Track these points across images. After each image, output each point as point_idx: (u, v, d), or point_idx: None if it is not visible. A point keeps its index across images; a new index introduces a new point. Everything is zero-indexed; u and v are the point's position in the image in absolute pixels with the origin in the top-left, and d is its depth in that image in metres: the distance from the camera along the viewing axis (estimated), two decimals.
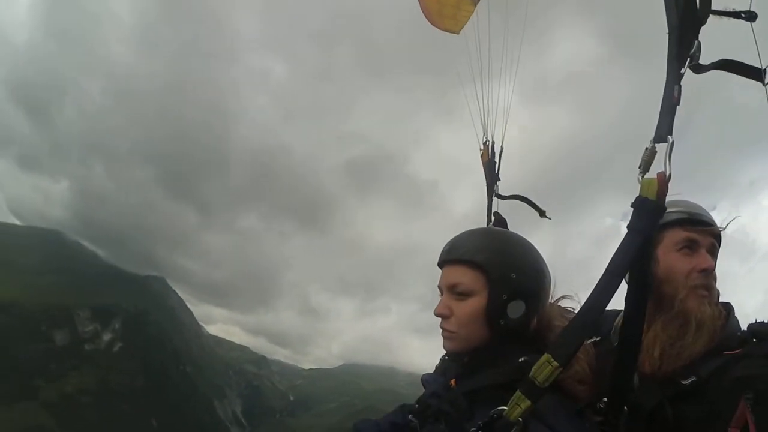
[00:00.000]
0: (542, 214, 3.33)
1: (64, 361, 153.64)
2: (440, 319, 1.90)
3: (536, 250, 1.91)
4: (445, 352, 2.03)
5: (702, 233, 2.02)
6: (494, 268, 1.78)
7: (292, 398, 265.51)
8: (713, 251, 2.03)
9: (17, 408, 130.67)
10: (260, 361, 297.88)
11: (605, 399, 1.73)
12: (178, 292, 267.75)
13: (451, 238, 1.97)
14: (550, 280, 1.89)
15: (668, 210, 1.86)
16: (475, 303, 1.79)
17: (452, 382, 1.91)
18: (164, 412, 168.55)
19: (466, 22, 3.97)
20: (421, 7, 4.27)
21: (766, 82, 1.53)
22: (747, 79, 1.62)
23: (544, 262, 1.90)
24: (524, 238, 1.95)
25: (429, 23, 4.25)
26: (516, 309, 1.77)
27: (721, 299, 2.06)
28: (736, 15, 1.55)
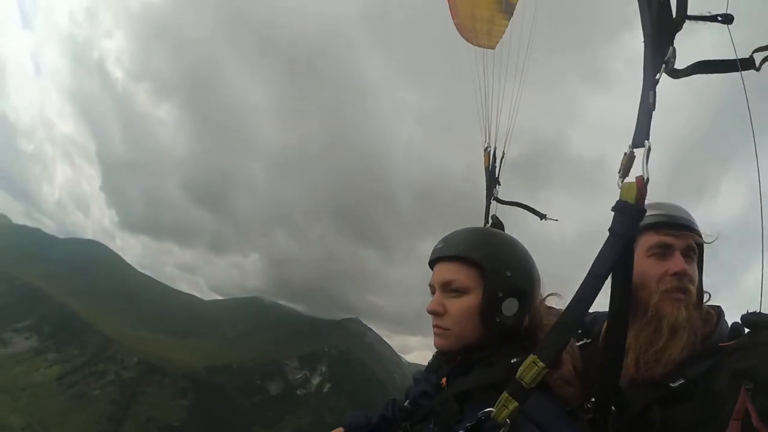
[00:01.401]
0: (542, 217, 3.33)
1: (280, 408, 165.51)
2: (432, 316, 1.89)
3: (526, 250, 1.91)
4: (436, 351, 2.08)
5: (676, 236, 1.98)
6: (490, 265, 1.78)
7: None
8: (689, 253, 1.99)
9: None
10: None
11: (593, 399, 1.73)
12: (373, 328, 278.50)
13: (444, 236, 1.97)
14: (539, 280, 1.89)
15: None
16: (470, 300, 1.78)
17: (443, 381, 1.89)
18: None
19: (501, 37, 4.03)
20: (455, 25, 4.27)
21: (742, 69, 1.51)
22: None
23: (533, 262, 1.89)
24: (515, 238, 1.95)
25: (464, 40, 4.24)
26: (510, 307, 1.77)
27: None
28: (712, 19, 1.52)
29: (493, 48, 4.05)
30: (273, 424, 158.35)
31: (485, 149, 3.80)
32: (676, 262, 1.95)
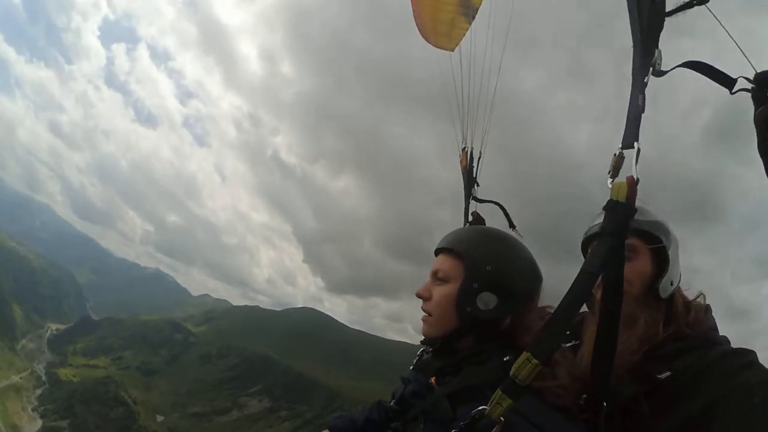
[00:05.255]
0: (513, 226, 3.31)
1: None
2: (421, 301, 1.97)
3: (527, 253, 1.92)
4: (422, 348, 2.16)
5: None
6: (470, 256, 1.84)
7: None
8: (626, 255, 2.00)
9: None
10: None
11: (584, 396, 1.75)
12: None
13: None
14: (536, 285, 1.89)
15: (594, 223, 2.14)
16: (450, 288, 1.85)
17: (432, 380, 1.90)
18: None
19: (460, 40, 4.07)
20: (416, 24, 4.35)
21: (733, 91, 1.50)
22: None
23: (533, 267, 1.90)
24: (517, 240, 1.97)
25: (424, 40, 4.34)
26: (486, 301, 1.79)
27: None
28: (688, 5, 1.54)
29: (452, 50, 4.03)
30: None
31: (462, 149, 3.77)
32: None
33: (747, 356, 1.81)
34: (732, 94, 1.50)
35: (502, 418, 1.43)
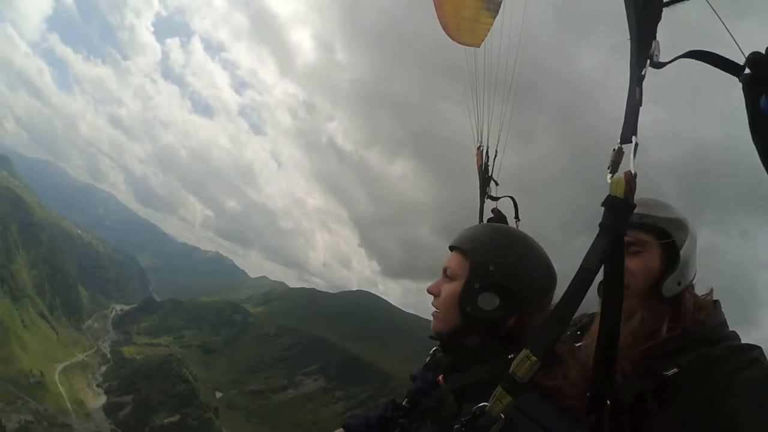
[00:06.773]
0: (517, 219, 3.33)
1: None
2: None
3: (542, 256, 1.89)
4: (435, 347, 2.17)
5: None
6: (475, 256, 1.83)
7: None
8: (630, 249, 2.05)
9: None
10: None
11: (588, 394, 1.73)
12: None
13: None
14: (546, 286, 1.84)
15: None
16: (454, 287, 1.85)
17: (440, 378, 1.91)
18: None
19: (485, 35, 4.02)
20: (439, 21, 4.24)
21: (741, 77, 1.40)
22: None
23: (545, 268, 1.86)
24: (532, 241, 1.93)
25: (448, 37, 4.24)
26: (487, 301, 1.78)
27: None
28: None
29: (478, 46, 3.95)
30: None
31: (478, 148, 3.78)
32: None
33: (753, 351, 1.83)
34: (740, 80, 1.42)
35: (502, 415, 1.43)
